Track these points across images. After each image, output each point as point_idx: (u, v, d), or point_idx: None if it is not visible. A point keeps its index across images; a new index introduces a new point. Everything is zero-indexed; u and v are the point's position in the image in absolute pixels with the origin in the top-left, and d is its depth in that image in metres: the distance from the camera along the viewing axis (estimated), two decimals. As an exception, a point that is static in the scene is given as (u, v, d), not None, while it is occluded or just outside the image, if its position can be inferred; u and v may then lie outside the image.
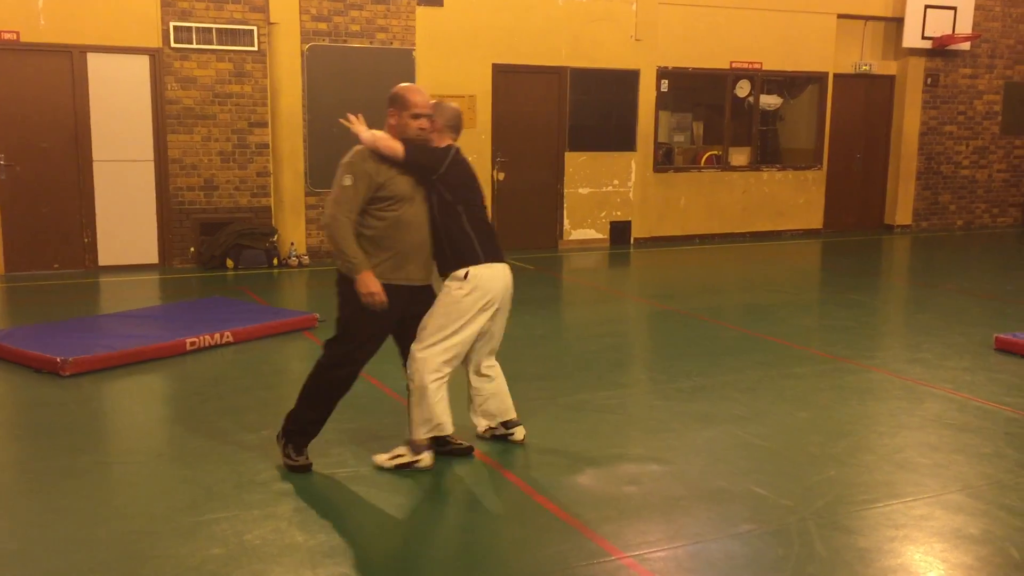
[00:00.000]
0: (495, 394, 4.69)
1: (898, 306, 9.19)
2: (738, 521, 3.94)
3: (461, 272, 4.34)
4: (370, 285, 4.20)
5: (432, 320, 4.34)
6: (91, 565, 3.50)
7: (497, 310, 4.48)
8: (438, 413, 4.38)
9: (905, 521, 3.96)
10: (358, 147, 4.32)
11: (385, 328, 4.40)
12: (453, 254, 4.38)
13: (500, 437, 4.78)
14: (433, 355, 4.32)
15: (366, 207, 4.29)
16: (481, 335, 4.50)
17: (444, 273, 4.44)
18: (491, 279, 4.38)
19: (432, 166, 4.34)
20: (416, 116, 4.32)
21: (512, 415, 4.76)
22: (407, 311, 4.40)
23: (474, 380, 4.67)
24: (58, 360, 5.95)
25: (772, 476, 4.44)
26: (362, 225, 4.31)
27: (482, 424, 4.77)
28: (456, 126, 4.51)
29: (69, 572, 3.45)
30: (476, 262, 4.35)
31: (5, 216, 9.67)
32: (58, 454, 4.67)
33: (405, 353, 4.49)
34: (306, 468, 4.41)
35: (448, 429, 4.44)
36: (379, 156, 4.26)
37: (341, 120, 4.44)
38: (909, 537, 3.82)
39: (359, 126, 4.36)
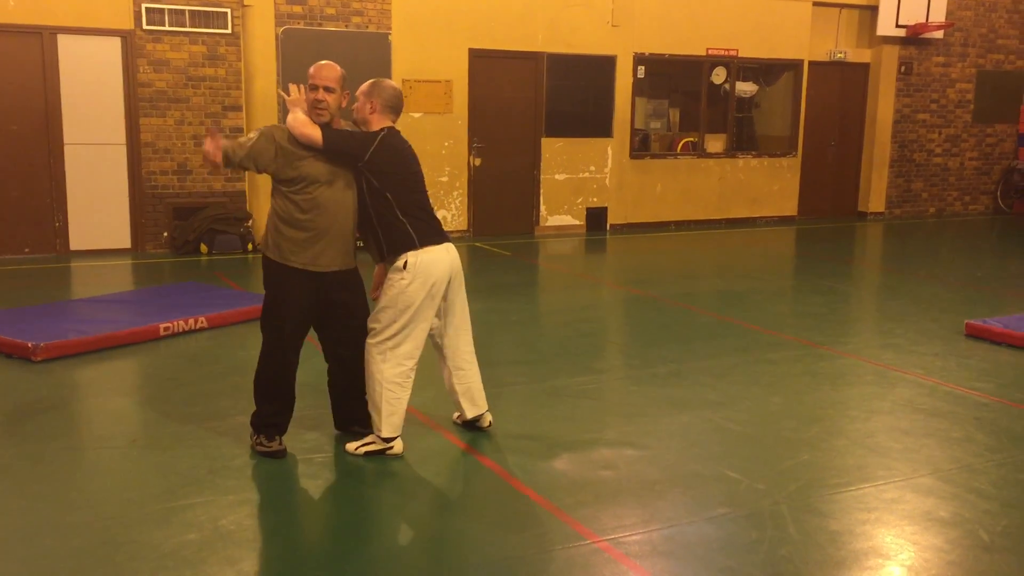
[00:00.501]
0: (471, 387, 4.67)
1: (871, 292, 9.28)
2: (712, 505, 3.97)
3: (400, 262, 4.28)
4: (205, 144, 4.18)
5: (382, 314, 4.31)
6: (65, 551, 3.47)
7: (448, 290, 4.43)
8: (402, 410, 4.37)
9: (876, 504, 4.01)
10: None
11: (304, 310, 4.33)
12: (388, 242, 4.33)
13: (469, 424, 4.78)
14: (389, 348, 4.29)
15: (281, 188, 4.25)
16: (443, 317, 4.49)
17: (383, 261, 4.41)
18: (431, 263, 4.30)
19: (354, 153, 4.25)
20: (312, 87, 4.22)
21: (483, 409, 4.75)
22: (328, 296, 4.35)
23: (452, 372, 4.64)
24: (29, 345, 5.89)
25: (746, 460, 4.48)
26: (278, 207, 4.29)
27: (462, 413, 4.75)
28: (395, 107, 4.39)
29: (42, 558, 3.42)
30: (412, 248, 4.28)
31: (-26, 200, 9.54)
32: (30, 440, 4.63)
33: (330, 339, 4.48)
34: (280, 454, 4.39)
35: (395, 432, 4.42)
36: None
37: (280, 91, 4.37)
38: (880, 520, 3.86)
39: (293, 101, 4.28)
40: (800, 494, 4.09)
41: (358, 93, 4.39)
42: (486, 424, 4.77)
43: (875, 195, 14.53)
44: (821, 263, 10.64)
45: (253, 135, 4.29)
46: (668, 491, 4.11)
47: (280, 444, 4.42)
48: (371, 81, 4.40)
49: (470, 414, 4.72)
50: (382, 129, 4.34)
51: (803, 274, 10.31)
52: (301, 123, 4.20)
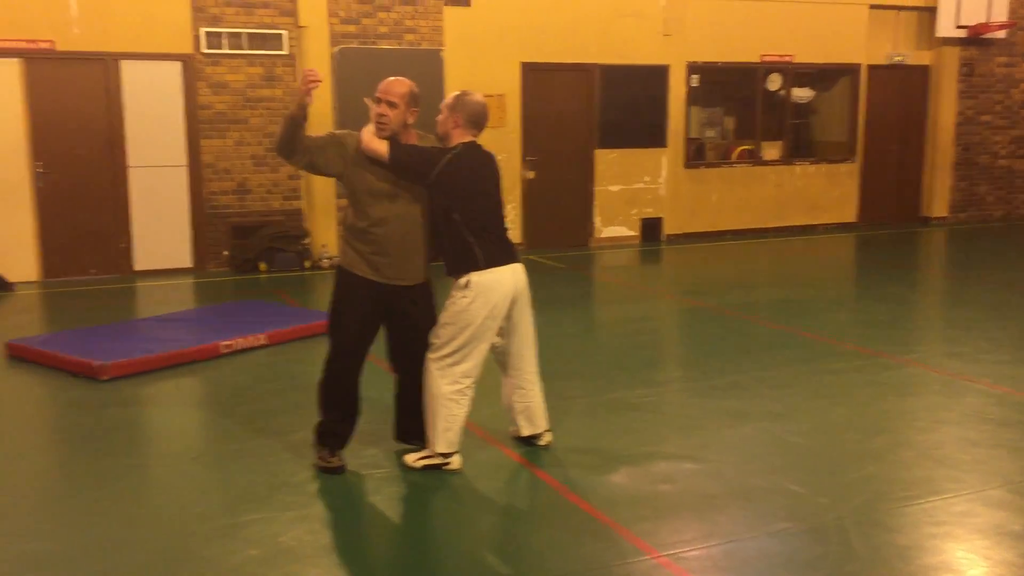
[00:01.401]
0: (530, 406, 4.64)
1: (935, 300, 9.07)
2: (774, 519, 3.90)
3: (463, 280, 4.27)
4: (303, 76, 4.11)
5: (442, 330, 4.31)
6: (131, 567, 3.54)
7: (513, 310, 4.40)
8: (459, 426, 4.36)
9: (946, 518, 3.90)
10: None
11: (365, 318, 4.35)
12: (452, 260, 4.33)
13: (527, 440, 4.75)
14: (447, 364, 4.29)
15: (354, 199, 4.31)
16: (507, 336, 4.48)
17: (449, 276, 4.40)
18: (494, 283, 4.27)
19: (420, 171, 4.23)
20: (377, 101, 4.23)
21: (545, 426, 4.72)
22: (392, 307, 4.37)
23: (512, 389, 4.62)
24: (96, 364, 6.03)
25: (808, 473, 4.39)
26: (346, 216, 4.38)
27: (518, 430, 4.73)
28: (478, 122, 4.36)
29: (109, 573, 3.49)
30: (476, 268, 4.26)
31: (43, 223, 9.81)
32: (97, 457, 4.73)
33: (394, 350, 4.52)
34: (339, 470, 4.42)
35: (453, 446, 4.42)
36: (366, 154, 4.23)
37: (366, 100, 4.38)
38: (950, 534, 3.76)
39: (373, 114, 4.27)
40: (865, 508, 3.99)
41: (442, 106, 4.37)
42: (544, 443, 4.72)
43: (938, 200, 14.20)
44: (883, 270, 10.43)
45: (325, 135, 4.34)
46: (728, 505, 4.05)
47: (340, 460, 4.44)
48: (455, 94, 4.37)
49: (525, 432, 4.69)
50: (456, 146, 4.30)
51: (865, 282, 10.11)
52: (371, 136, 4.22)
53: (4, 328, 7.61)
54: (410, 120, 4.29)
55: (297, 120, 4.11)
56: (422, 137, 4.42)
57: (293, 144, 4.18)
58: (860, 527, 3.80)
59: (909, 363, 6.31)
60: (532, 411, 4.65)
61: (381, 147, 4.18)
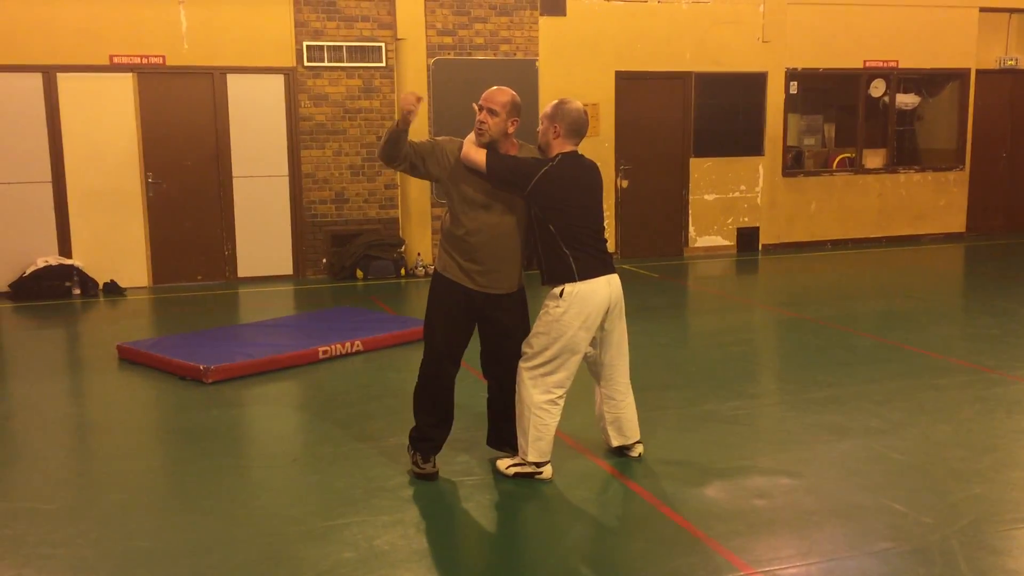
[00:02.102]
0: (620, 416, 4.62)
1: (1050, 313, 8.66)
2: (875, 538, 3.78)
3: (557, 290, 4.27)
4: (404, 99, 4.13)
5: (535, 339, 4.31)
6: (230, 566, 3.65)
7: (606, 320, 4.39)
8: (550, 436, 4.36)
9: (1059, 543, 3.72)
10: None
11: (459, 322, 4.39)
12: (548, 269, 4.33)
13: (618, 451, 4.73)
14: (540, 374, 4.30)
15: (451, 207, 4.36)
16: (600, 346, 4.46)
17: (544, 285, 4.39)
18: (589, 294, 4.26)
19: (517, 183, 4.24)
20: (479, 108, 4.28)
21: (636, 437, 4.69)
22: (484, 314, 4.40)
23: (603, 399, 4.61)
24: (201, 368, 6.24)
25: (911, 492, 4.24)
26: (445, 221, 4.44)
27: (608, 440, 4.71)
28: (580, 130, 4.36)
29: (210, 571, 3.60)
30: (571, 280, 4.25)
31: (153, 231, 10.22)
32: (201, 458, 4.90)
33: (486, 357, 4.55)
34: (432, 476, 4.46)
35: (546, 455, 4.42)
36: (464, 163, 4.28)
37: (474, 105, 4.41)
38: (1064, 560, 3.58)
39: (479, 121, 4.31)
40: (972, 529, 3.84)
41: (542, 116, 4.39)
42: (635, 454, 4.69)
43: (1053, 209, 13.59)
44: (993, 282, 10.02)
45: (427, 141, 4.42)
46: (826, 522, 3.94)
47: (434, 466, 4.48)
48: (555, 103, 4.36)
49: (615, 443, 4.67)
50: (556, 157, 4.31)
51: (973, 294, 9.73)
52: (471, 146, 4.27)
53: (115, 331, 7.95)
54: (510, 130, 4.32)
55: (401, 131, 4.19)
56: (522, 146, 4.44)
57: (396, 151, 4.24)
58: (966, 549, 3.66)
59: (1020, 379, 6.04)
60: (623, 422, 4.62)
61: (480, 157, 4.21)
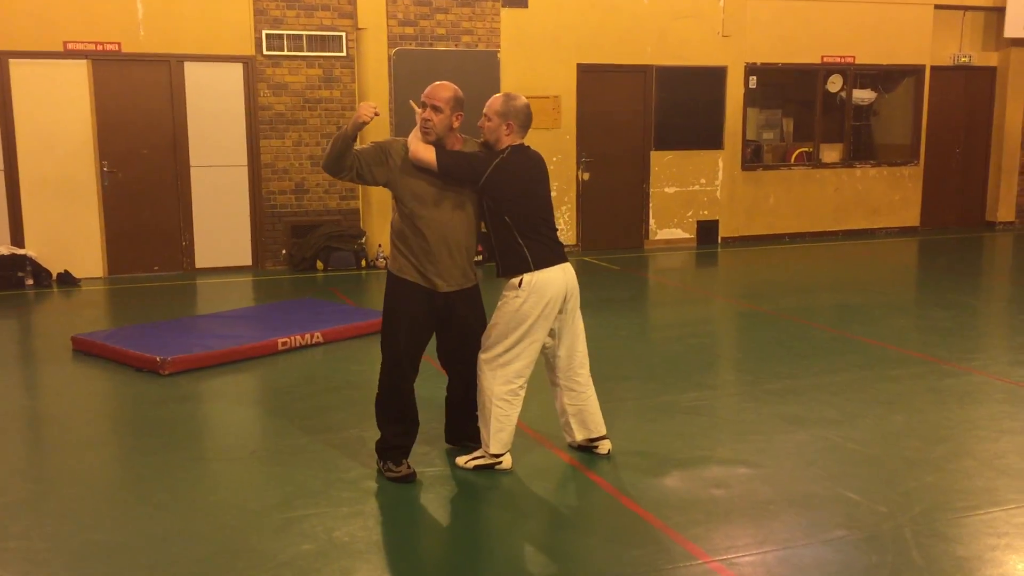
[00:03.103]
0: (583, 408, 4.61)
1: (1000, 307, 8.85)
2: (830, 527, 3.84)
3: (515, 280, 4.28)
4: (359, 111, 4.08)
5: (494, 330, 4.32)
6: (188, 559, 3.61)
7: (563, 310, 4.40)
8: (511, 427, 4.37)
9: (1007, 529, 3.81)
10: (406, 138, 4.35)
11: (420, 322, 4.34)
12: (503, 262, 4.33)
13: (585, 448, 4.72)
14: (499, 364, 4.30)
15: (400, 206, 4.32)
16: (557, 336, 4.47)
17: (500, 277, 4.39)
18: (546, 283, 4.27)
19: (470, 178, 4.24)
20: (422, 105, 4.22)
21: (601, 431, 4.67)
22: (443, 311, 4.37)
23: (563, 392, 4.60)
24: (158, 359, 6.17)
25: (866, 481, 4.32)
26: (394, 221, 4.38)
27: (572, 435, 4.69)
28: (528, 124, 4.35)
29: (167, 564, 3.57)
30: (527, 270, 4.26)
31: (108, 221, 10.06)
32: (157, 450, 4.84)
33: (445, 353, 4.54)
34: (411, 477, 4.37)
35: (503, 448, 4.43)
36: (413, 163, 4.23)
37: (412, 102, 4.38)
38: (1011, 546, 3.67)
39: (419, 118, 4.27)
40: (924, 517, 3.92)
41: (490, 112, 4.32)
42: (603, 451, 4.65)
43: (1004, 204, 13.86)
44: (946, 275, 10.21)
45: (366, 144, 4.35)
46: (783, 511, 4.00)
47: (409, 468, 4.40)
48: (503, 100, 4.32)
49: (579, 436, 4.65)
50: (505, 149, 4.30)
51: (927, 287, 9.91)
52: (418, 144, 4.22)
53: (70, 322, 7.82)
54: (455, 124, 4.28)
55: (349, 140, 4.12)
56: (466, 140, 4.42)
57: (342, 162, 4.18)
58: (918, 537, 3.73)
59: (972, 371, 6.17)
60: (586, 415, 4.61)
61: (429, 155, 4.19)
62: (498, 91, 10.81)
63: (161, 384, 6.00)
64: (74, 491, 4.32)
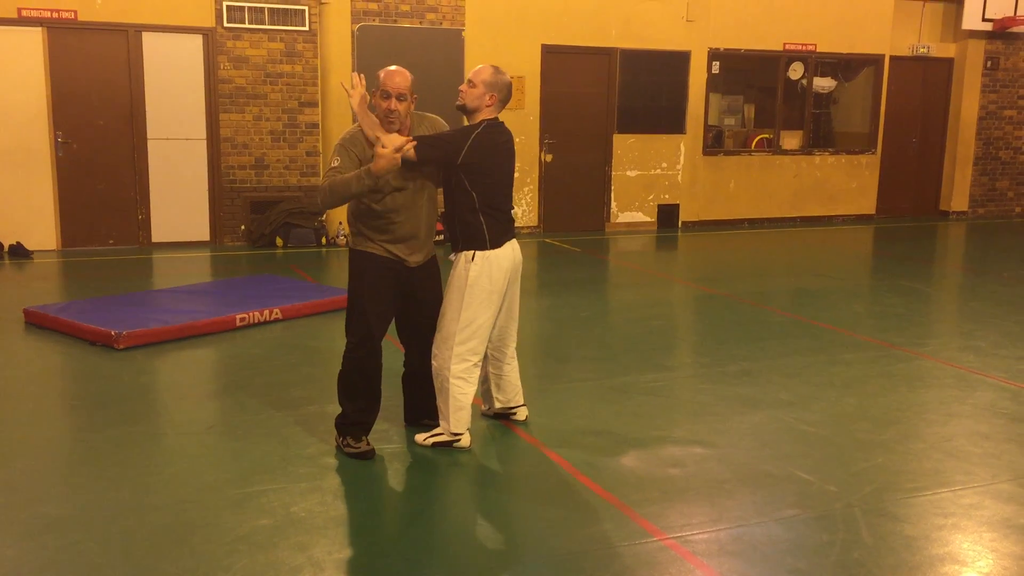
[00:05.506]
0: (502, 376, 4.71)
1: (952, 293, 9.02)
2: (782, 506, 3.91)
3: (468, 254, 4.30)
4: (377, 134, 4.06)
5: (449, 308, 4.33)
6: (143, 532, 3.59)
7: (508, 286, 4.45)
8: (469, 404, 4.40)
9: (954, 510, 3.90)
10: (355, 126, 4.28)
11: (386, 296, 4.34)
12: (461, 236, 4.33)
13: (503, 415, 4.81)
14: (456, 343, 4.31)
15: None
16: (499, 311, 4.50)
17: (455, 252, 4.40)
18: (499, 259, 4.32)
19: (448, 159, 4.22)
20: (384, 95, 4.14)
21: (519, 400, 4.79)
22: (406, 287, 4.38)
23: (489, 360, 4.65)
24: (113, 333, 6.08)
25: (818, 462, 4.40)
26: (351, 205, 4.31)
27: (491, 401, 4.79)
28: (507, 101, 4.38)
29: (121, 538, 3.54)
30: (483, 247, 4.29)
31: (62, 192, 9.88)
32: (112, 425, 4.78)
33: (407, 328, 4.55)
34: (370, 454, 4.37)
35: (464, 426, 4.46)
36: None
37: (343, 85, 4.31)
38: (957, 526, 3.76)
39: (356, 98, 4.24)
40: (874, 497, 4.00)
41: (476, 79, 4.27)
42: (522, 417, 4.79)
43: (958, 194, 14.12)
44: (900, 263, 10.38)
45: (336, 160, 4.22)
46: (737, 490, 4.06)
47: (368, 444, 4.40)
48: (493, 71, 4.30)
49: (498, 404, 4.75)
50: (480, 123, 4.29)
51: (881, 274, 10.07)
52: (396, 146, 4.02)
53: (22, 295, 7.68)
54: (412, 108, 4.28)
55: (366, 189, 4.09)
56: (421, 117, 4.40)
57: (344, 202, 4.19)
58: (868, 516, 3.81)
59: (923, 356, 6.30)
60: (504, 381, 4.71)
61: (411, 155, 4.12)
62: (463, 70, 10.82)
63: (116, 359, 5.92)
64: (25, 464, 4.26)
